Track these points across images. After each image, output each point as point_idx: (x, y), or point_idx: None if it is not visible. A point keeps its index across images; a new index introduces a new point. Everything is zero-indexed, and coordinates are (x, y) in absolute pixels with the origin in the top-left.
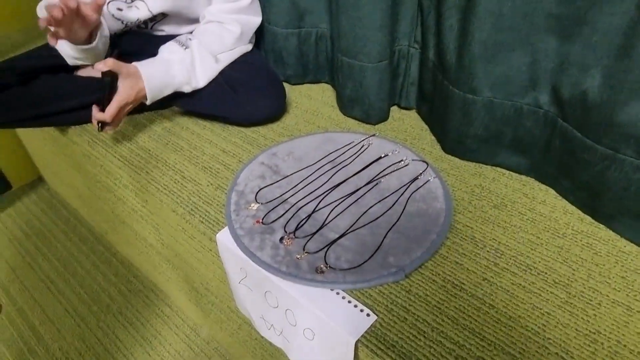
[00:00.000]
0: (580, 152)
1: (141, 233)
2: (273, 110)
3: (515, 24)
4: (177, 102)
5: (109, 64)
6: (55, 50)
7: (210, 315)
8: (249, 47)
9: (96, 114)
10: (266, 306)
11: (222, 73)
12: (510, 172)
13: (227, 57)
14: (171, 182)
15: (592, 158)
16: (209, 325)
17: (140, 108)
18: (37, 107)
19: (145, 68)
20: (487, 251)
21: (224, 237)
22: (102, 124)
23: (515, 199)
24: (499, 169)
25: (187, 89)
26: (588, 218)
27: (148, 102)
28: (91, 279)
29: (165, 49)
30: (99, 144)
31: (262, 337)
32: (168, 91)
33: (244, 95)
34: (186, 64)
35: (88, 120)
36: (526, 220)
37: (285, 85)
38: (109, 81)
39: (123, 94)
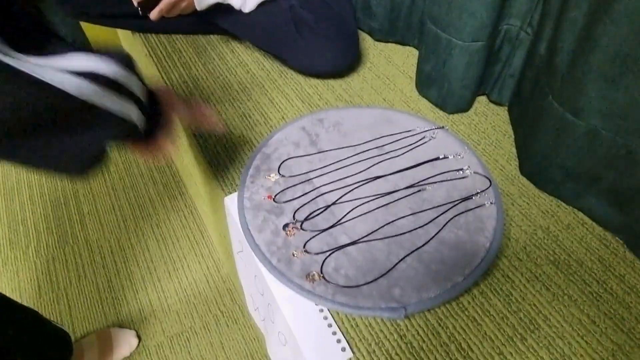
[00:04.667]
0: None
1: (184, 157)
2: (338, 65)
3: None
4: (235, 31)
5: None
6: None
7: (229, 258)
8: None
9: None
10: (255, 289)
11: (291, 7)
12: (594, 225)
13: None
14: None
15: None
16: (229, 265)
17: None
18: (106, 5)
19: None
20: (520, 319)
21: (230, 202)
22: (142, 5)
23: (585, 261)
24: (580, 214)
25: (236, 2)
26: None
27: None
28: (143, 183)
29: None
30: (153, 58)
31: (249, 314)
32: None
33: (308, 41)
34: None
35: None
36: (587, 294)
37: (366, 39)
38: None
39: None
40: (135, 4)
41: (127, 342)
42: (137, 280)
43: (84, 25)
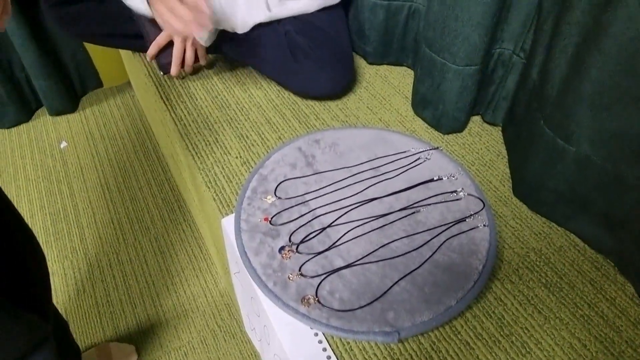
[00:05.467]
0: None
1: (182, 174)
2: (333, 89)
3: None
4: (233, 55)
5: None
6: None
7: (227, 273)
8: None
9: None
10: (251, 309)
11: (286, 33)
12: (585, 247)
13: (290, 9)
14: (202, 142)
15: None
16: (227, 280)
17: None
18: (107, 26)
19: None
20: (512, 342)
21: (227, 224)
22: (161, 65)
23: (577, 284)
24: (572, 236)
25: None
26: None
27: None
28: (142, 196)
29: None
30: (152, 77)
31: (245, 332)
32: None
33: (304, 66)
34: None
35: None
36: (578, 317)
37: (361, 62)
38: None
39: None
40: (149, 59)
41: (126, 357)
42: (135, 295)
43: (86, 44)
